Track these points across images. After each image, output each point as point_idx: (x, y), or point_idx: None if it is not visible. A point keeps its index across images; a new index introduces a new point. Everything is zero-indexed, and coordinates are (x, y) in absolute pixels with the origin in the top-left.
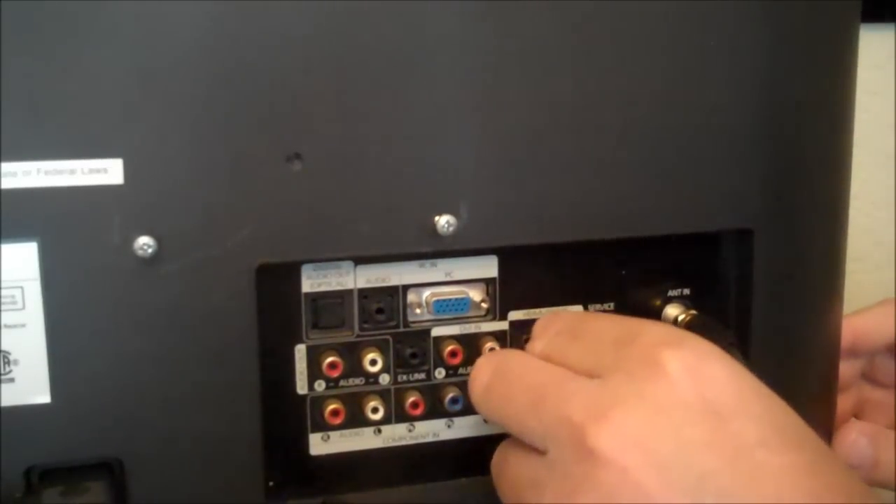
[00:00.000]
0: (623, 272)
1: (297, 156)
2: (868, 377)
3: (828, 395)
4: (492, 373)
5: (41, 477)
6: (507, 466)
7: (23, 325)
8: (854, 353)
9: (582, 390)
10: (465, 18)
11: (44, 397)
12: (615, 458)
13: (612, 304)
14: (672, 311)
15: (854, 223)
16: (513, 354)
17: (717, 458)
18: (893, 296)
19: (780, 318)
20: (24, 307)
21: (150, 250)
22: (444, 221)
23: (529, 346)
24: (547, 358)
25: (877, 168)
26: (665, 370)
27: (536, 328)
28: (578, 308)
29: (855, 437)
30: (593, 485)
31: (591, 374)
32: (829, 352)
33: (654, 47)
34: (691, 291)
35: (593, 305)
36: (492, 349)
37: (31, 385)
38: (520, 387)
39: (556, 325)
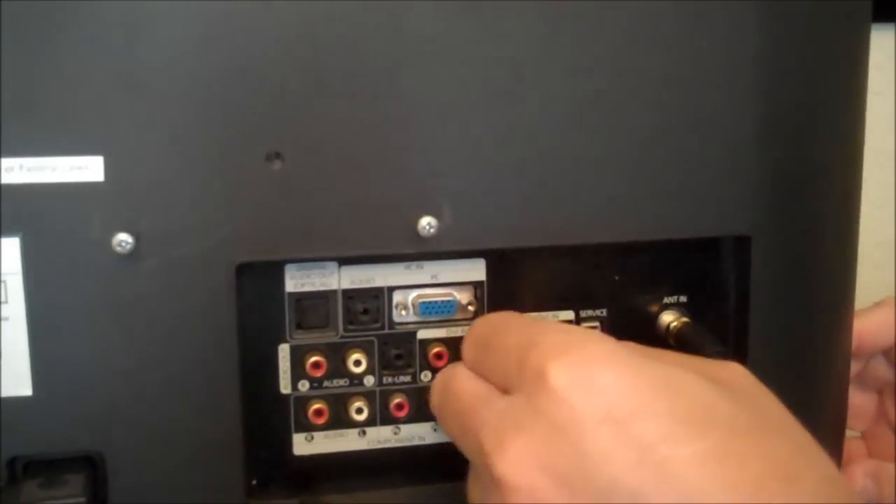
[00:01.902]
0: (616, 278)
1: (277, 154)
2: (855, 379)
3: (836, 405)
4: (438, 394)
5: (24, 468)
6: (469, 478)
7: (6, 319)
8: (855, 356)
9: (490, 417)
10: (450, 18)
11: (26, 390)
12: (520, 483)
13: (604, 311)
14: (667, 318)
15: None
16: (452, 373)
17: (622, 462)
18: (893, 295)
19: (781, 327)
20: (6, 301)
21: (127, 246)
22: (425, 223)
23: (463, 353)
24: (473, 370)
25: (877, 168)
26: (552, 386)
27: (466, 334)
28: (569, 314)
29: (862, 483)
30: None
31: (504, 390)
32: (838, 363)
33: (650, 47)
34: (688, 299)
35: (585, 311)
36: None
37: (14, 378)
38: (452, 411)
39: (474, 332)
